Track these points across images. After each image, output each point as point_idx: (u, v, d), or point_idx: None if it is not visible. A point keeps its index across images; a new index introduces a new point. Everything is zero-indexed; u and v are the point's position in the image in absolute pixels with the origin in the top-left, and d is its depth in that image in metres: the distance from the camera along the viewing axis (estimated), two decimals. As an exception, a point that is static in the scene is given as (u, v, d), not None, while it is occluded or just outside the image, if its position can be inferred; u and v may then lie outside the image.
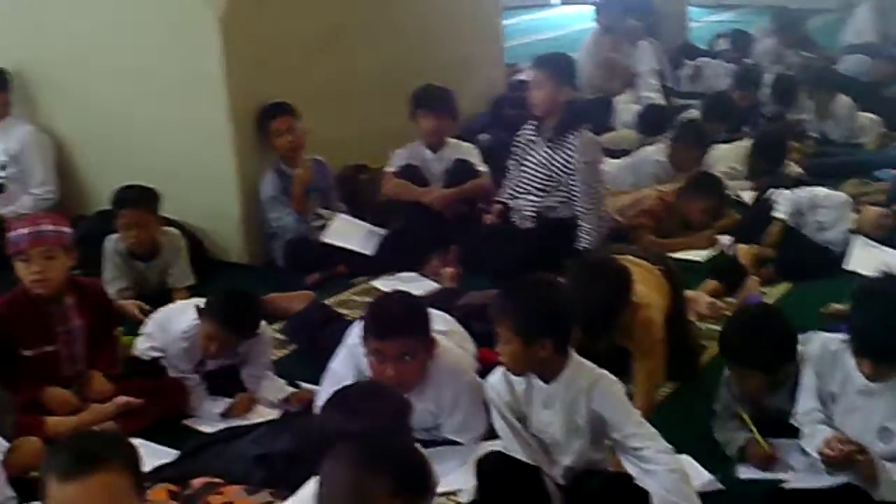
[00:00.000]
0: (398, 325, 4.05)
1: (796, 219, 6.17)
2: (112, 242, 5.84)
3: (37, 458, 3.84)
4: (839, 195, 6.39)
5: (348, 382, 3.98)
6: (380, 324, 4.07)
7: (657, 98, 9.33)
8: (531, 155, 6.16)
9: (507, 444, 3.73)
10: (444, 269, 6.08)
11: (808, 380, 3.89)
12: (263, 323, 4.95)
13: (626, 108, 9.17)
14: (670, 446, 3.60)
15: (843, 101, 8.68)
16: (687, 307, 4.98)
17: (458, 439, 4.24)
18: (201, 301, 4.85)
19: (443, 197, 6.49)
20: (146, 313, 5.38)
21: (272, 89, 6.42)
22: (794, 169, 7.54)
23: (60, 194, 6.90)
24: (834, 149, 8.44)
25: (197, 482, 4.00)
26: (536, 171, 6.11)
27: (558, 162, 6.02)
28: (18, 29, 6.95)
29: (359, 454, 2.65)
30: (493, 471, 3.67)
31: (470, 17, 8.37)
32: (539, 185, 6.11)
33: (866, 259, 5.86)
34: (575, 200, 6.00)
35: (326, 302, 5.76)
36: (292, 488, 3.28)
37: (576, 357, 3.65)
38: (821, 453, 3.71)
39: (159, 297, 5.65)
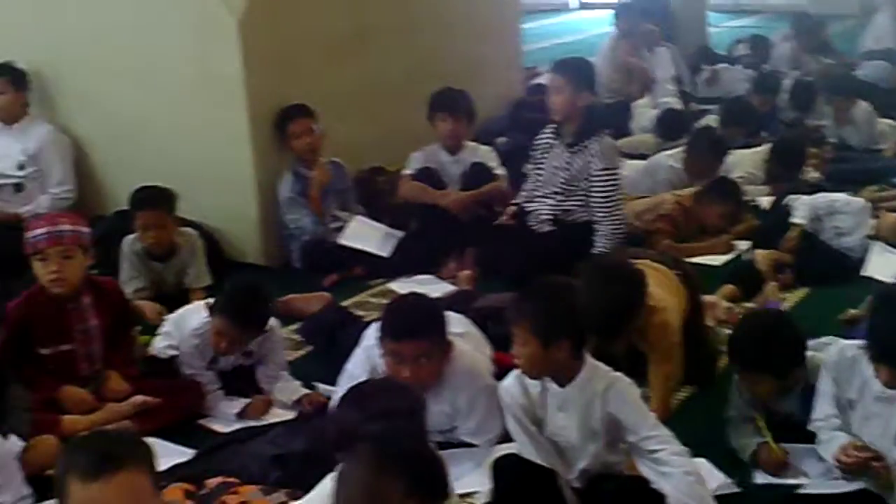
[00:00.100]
0: (414, 327, 4.05)
1: (814, 224, 6.14)
2: (129, 243, 5.85)
3: (53, 457, 3.84)
4: (857, 201, 6.35)
5: (364, 384, 3.97)
6: (396, 325, 4.07)
7: (675, 103, 9.32)
8: (550, 159, 6.14)
9: (521, 447, 3.73)
10: (460, 271, 6.08)
11: (825, 386, 3.88)
12: (275, 322, 4.95)
13: (644, 112, 9.16)
14: (686, 449, 3.60)
15: (863, 106, 8.65)
16: (704, 312, 4.96)
17: (473, 442, 4.23)
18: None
19: (460, 200, 6.48)
20: (163, 315, 5.40)
21: (290, 91, 6.43)
22: (813, 174, 7.52)
23: (78, 194, 6.92)
24: (853, 154, 8.41)
25: (212, 482, 4.01)
26: (555, 175, 6.10)
27: (577, 167, 6.00)
28: (37, 30, 6.96)
29: (375, 456, 2.66)
30: (508, 473, 3.66)
31: (489, 20, 8.37)
32: (557, 189, 6.10)
33: (884, 265, 5.86)
34: (592, 205, 5.99)
35: (343, 303, 5.76)
36: (308, 489, 3.27)
37: (591, 360, 3.64)
38: (837, 460, 3.70)
39: (176, 297, 5.66)
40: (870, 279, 5.75)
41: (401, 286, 5.99)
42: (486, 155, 6.76)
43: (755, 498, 3.90)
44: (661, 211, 6.52)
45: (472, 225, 6.45)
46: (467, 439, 4.24)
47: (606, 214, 5.95)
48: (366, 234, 6.40)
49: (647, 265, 4.63)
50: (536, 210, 6.20)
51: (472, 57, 7.95)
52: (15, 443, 4.00)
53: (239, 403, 4.68)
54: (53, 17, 6.89)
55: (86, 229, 4.73)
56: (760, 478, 3.99)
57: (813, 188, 6.81)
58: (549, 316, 3.54)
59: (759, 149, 7.68)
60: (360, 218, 6.51)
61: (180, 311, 5.15)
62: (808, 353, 4.10)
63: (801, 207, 6.19)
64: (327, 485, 2.96)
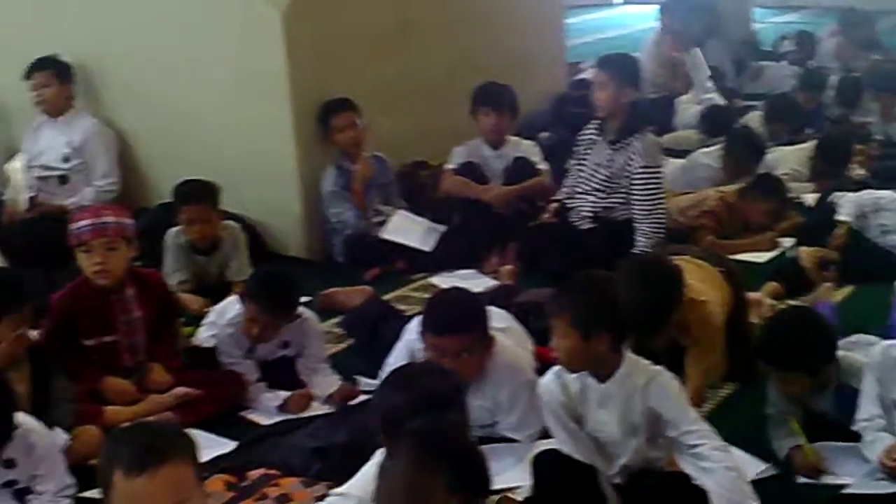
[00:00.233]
0: (456, 321, 4.05)
1: (860, 222, 6.08)
2: (173, 235, 5.88)
3: (96, 447, 3.87)
4: (904, 198, 6.30)
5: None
6: (438, 320, 4.08)
7: (718, 99, 9.25)
8: (592, 155, 6.11)
9: (561, 444, 3.71)
10: (502, 266, 6.07)
11: (869, 386, 3.85)
12: (310, 312, 4.98)
13: (688, 108, 9.09)
14: (726, 444, 3.58)
15: (910, 103, 8.57)
16: (748, 309, 4.93)
17: (514, 437, 4.22)
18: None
19: (502, 195, 6.48)
20: (207, 307, 5.43)
21: (334, 85, 6.43)
22: (859, 171, 7.45)
23: (122, 186, 6.95)
24: (899, 151, 8.34)
25: (254, 473, 4.03)
26: (596, 171, 6.07)
27: (618, 164, 5.97)
28: (83, 23, 7.00)
29: (417, 451, 2.66)
30: (548, 469, 3.64)
31: (533, 15, 8.34)
32: (598, 186, 6.07)
33: (930, 263, 5.80)
34: (633, 203, 5.95)
35: (385, 297, 5.76)
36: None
37: (630, 355, 3.62)
38: (882, 462, 3.67)
39: (218, 290, 5.69)
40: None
41: (443, 281, 5.98)
42: (528, 149, 6.74)
43: (799, 497, 3.87)
44: (705, 207, 6.49)
45: (514, 220, 6.45)
46: (508, 434, 4.24)
47: (646, 213, 5.90)
48: (408, 229, 6.41)
49: (689, 261, 4.62)
50: (578, 207, 6.17)
51: (516, 52, 7.93)
52: (60, 436, 4.03)
53: (279, 397, 4.70)
54: (98, 10, 6.93)
55: (130, 221, 4.76)
56: (804, 477, 3.96)
57: (858, 185, 6.75)
58: (590, 308, 3.51)
59: (804, 145, 7.62)
60: (402, 212, 6.52)
61: (223, 302, 5.19)
62: (840, 353, 4.07)
63: (847, 205, 6.14)
64: (370, 470, 2.96)
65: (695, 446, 3.50)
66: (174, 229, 5.89)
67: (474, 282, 5.83)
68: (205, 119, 6.62)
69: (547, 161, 6.77)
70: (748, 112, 8.86)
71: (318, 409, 4.66)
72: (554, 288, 3.86)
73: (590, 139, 6.14)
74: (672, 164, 7.34)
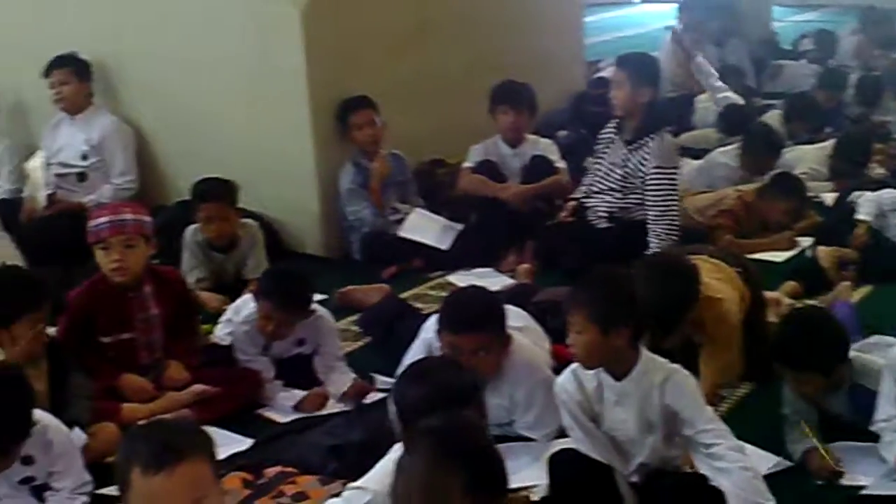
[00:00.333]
0: (473, 320, 4.05)
1: (879, 221, 6.06)
2: (191, 233, 5.89)
3: (113, 444, 3.90)
4: (924, 198, 6.27)
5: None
6: (455, 318, 4.07)
7: (734, 97, 9.21)
8: (609, 154, 6.11)
9: (578, 443, 3.70)
10: (519, 265, 6.07)
11: (888, 387, 3.84)
12: (324, 310, 4.98)
13: (707, 107, 9.08)
14: (742, 444, 3.57)
15: (930, 102, 8.55)
16: (766, 309, 4.91)
17: (531, 436, 4.22)
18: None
19: (520, 193, 6.47)
20: (225, 304, 5.44)
21: (352, 84, 6.44)
22: (878, 171, 7.42)
23: (140, 184, 6.97)
24: (919, 150, 8.30)
25: (271, 471, 4.04)
26: (612, 171, 6.07)
27: (633, 164, 5.96)
28: (101, 21, 7.03)
29: (434, 451, 2.65)
30: (565, 468, 3.64)
31: (552, 13, 8.33)
32: (614, 186, 6.06)
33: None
34: (646, 204, 5.93)
35: (402, 295, 5.76)
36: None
37: (647, 352, 3.61)
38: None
39: (235, 287, 5.70)
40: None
41: (460, 279, 5.99)
42: (546, 148, 6.73)
43: (815, 498, 3.85)
44: (723, 206, 6.47)
45: (531, 218, 6.44)
46: (525, 433, 4.23)
47: (659, 214, 5.87)
48: (425, 227, 6.41)
49: (706, 260, 4.61)
50: (594, 206, 6.17)
51: (535, 50, 7.91)
52: (79, 435, 4.04)
53: (295, 396, 4.70)
54: (117, 8, 6.95)
55: (148, 219, 4.77)
56: (820, 480, 3.94)
57: (878, 184, 6.72)
58: (609, 302, 3.50)
59: (823, 144, 7.60)
60: (419, 210, 6.52)
61: (239, 300, 5.19)
62: (854, 354, 4.05)
63: (866, 204, 6.11)
64: (387, 465, 2.96)
65: (710, 446, 3.49)
66: (192, 227, 5.90)
67: (491, 280, 5.83)
68: (223, 117, 6.64)
69: (565, 159, 6.77)
70: (767, 111, 8.85)
71: (334, 406, 4.66)
72: (571, 287, 3.84)
73: (608, 138, 6.14)
74: (690, 164, 7.33)
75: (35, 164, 7.22)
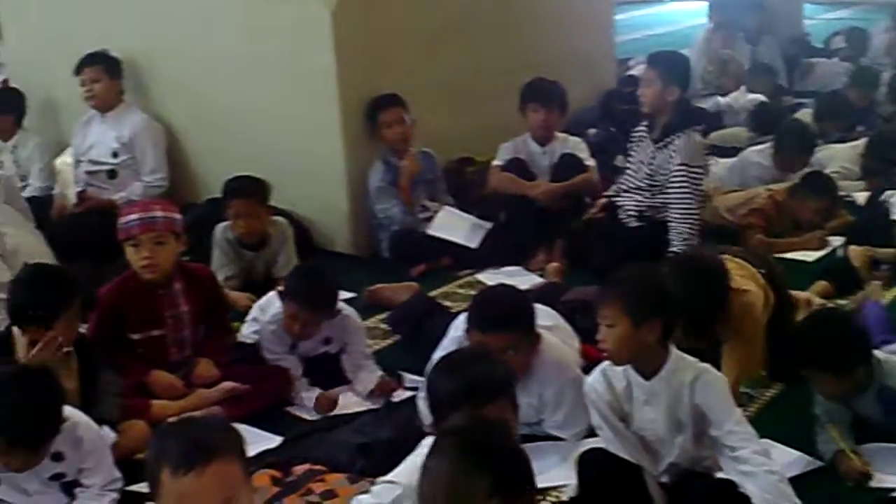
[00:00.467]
0: (503, 318, 4.04)
1: (913, 221, 6.04)
2: (221, 231, 5.90)
3: (143, 442, 3.91)
4: (957, 197, 6.24)
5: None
6: (484, 317, 4.06)
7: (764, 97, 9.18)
8: (638, 153, 6.10)
9: (607, 443, 3.69)
10: (548, 263, 6.06)
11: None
12: (350, 309, 4.98)
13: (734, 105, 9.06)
14: (768, 448, 3.55)
15: (964, 101, 8.49)
16: (795, 310, 4.88)
17: (560, 435, 4.21)
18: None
19: (549, 191, 6.44)
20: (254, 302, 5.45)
21: (382, 83, 6.44)
22: (911, 170, 7.38)
23: (171, 181, 6.99)
24: (952, 149, 8.23)
25: (299, 469, 4.04)
26: (640, 169, 6.05)
27: (658, 162, 5.94)
28: (132, 18, 7.06)
29: (460, 452, 2.64)
30: (594, 468, 3.62)
31: (583, 11, 8.32)
32: (642, 185, 6.04)
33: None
34: (668, 202, 5.91)
35: (431, 294, 5.76)
36: (394, 478, 3.29)
37: (676, 351, 3.59)
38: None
39: (265, 285, 5.68)
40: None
41: (489, 277, 5.98)
42: (576, 146, 6.70)
43: (845, 499, 3.82)
44: (754, 205, 6.44)
45: (560, 217, 6.41)
46: (554, 432, 4.22)
47: (680, 213, 5.83)
48: (454, 225, 6.40)
49: (730, 260, 4.58)
50: (624, 205, 6.15)
51: (565, 48, 7.90)
52: (108, 433, 4.05)
53: (313, 395, 4.70)
54: (148, 6, 6.98)
55: (178, 216, 4.78)
56: (850, 482, 3.91)
57: (910, 184, 6.69)
58: (641, 295, 3.49)
59: (854, 143, 7.56)
60: (448, 208, 6.52)
61: (264, 298, 5.16)
62: (883, 355, 4.01)
63: (900, 203, 6.09)
64: (417, 460, 2.95)
65: (735, 448, 3.47)
66: (222, 224, 5.91)
67: (520, 279, 5.83)
68: (253, 115, 6.65)
69: (594, 157, 6.74)
70: (799, 109, 8.81)
71: (362, 404, 4.66)
72: (600, 285, 3.83)
73: (640, 136, 6.12)
74: (722, 164, 7.30)
75: (66, 161, 7.26)
